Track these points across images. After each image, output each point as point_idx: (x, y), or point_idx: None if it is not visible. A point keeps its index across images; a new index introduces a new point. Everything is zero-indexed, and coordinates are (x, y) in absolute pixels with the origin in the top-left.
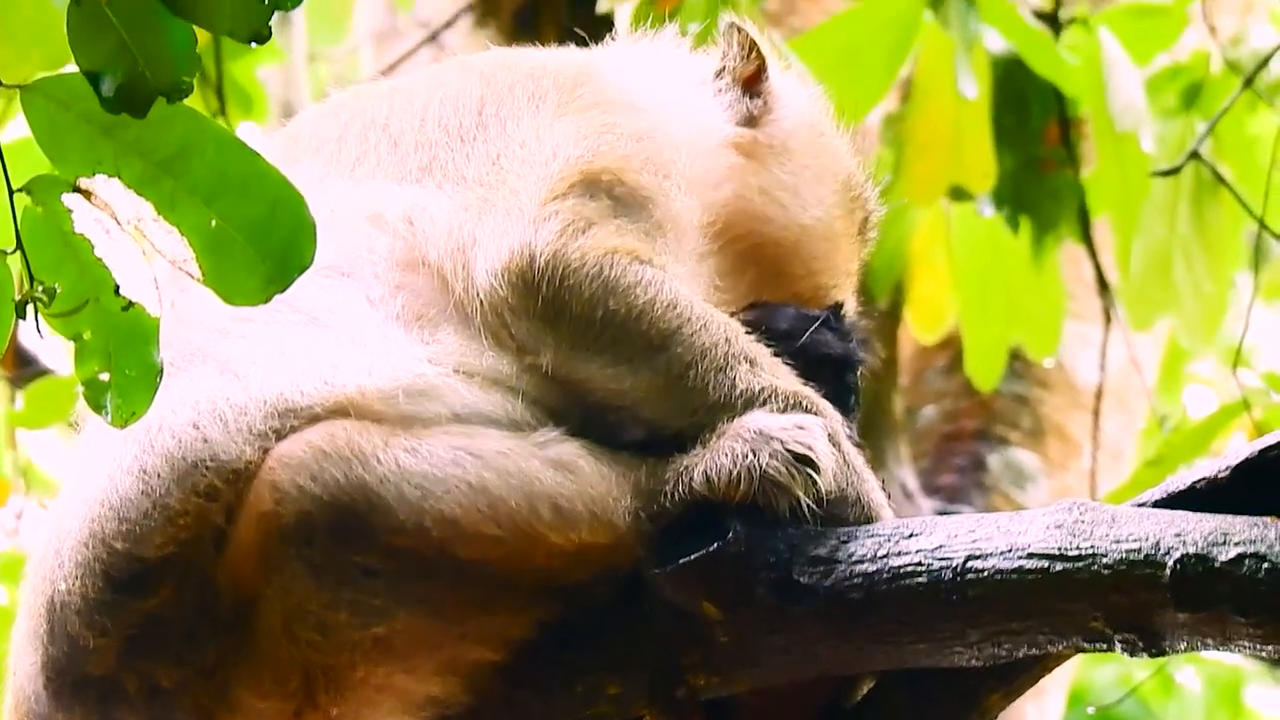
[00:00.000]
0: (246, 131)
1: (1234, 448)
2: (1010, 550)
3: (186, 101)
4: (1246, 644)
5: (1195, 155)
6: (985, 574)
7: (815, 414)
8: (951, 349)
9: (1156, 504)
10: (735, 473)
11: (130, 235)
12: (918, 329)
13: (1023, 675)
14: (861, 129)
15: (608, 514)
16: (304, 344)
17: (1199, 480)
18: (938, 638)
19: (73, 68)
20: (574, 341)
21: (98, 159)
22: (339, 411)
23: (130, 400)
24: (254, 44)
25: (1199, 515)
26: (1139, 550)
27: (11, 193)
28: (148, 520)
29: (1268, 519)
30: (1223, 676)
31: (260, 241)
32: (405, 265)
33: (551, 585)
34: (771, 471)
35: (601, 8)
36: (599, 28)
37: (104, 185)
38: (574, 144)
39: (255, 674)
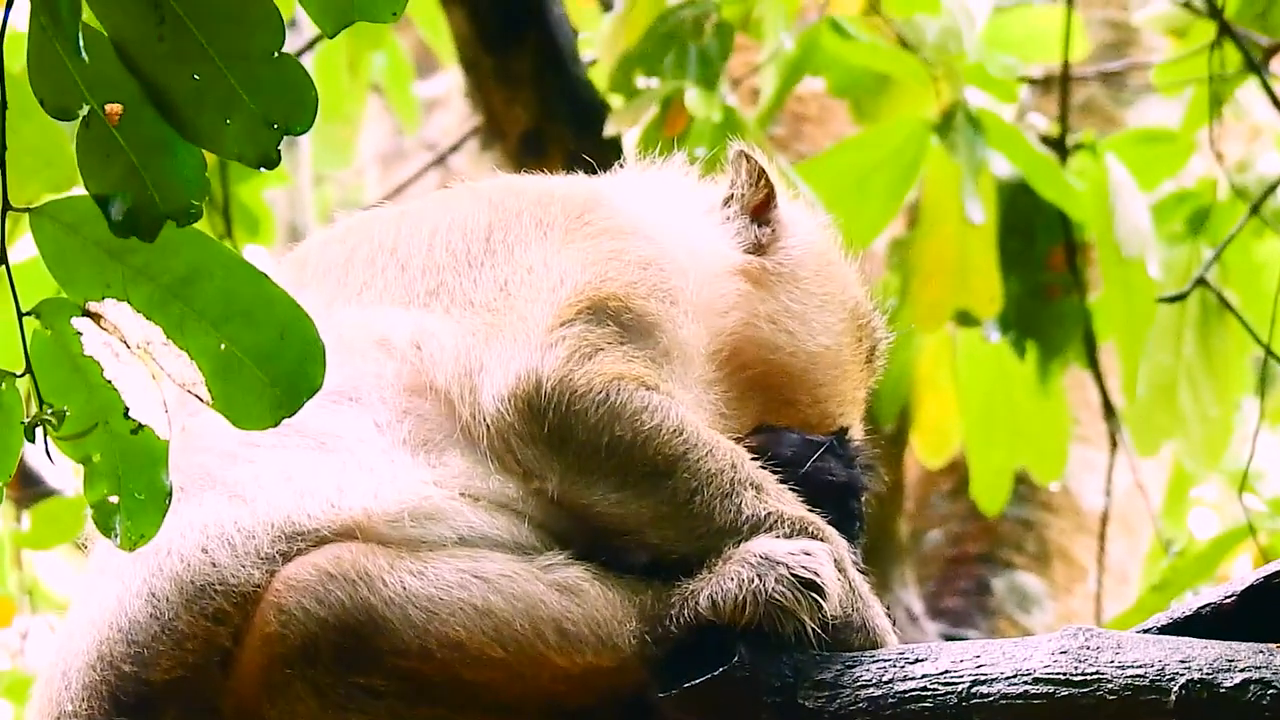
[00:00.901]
0: (253, 254)
1: (1239, 574)
2: (1015, 676)
3: (194, 224)
4: None
5: (1201, 281)
6: (990, 699)
7: (821, 539)
8: (957, 473)
9: (1162, 630)
10: (741, 597)
11: (139, 358)
12: (923, 453)
13: None
14: (867, 253)
15: (613, 638)
16: (311, 468)
17: (1204, 606)
18: None
19: (81, 190)
20: (580, 467)
21: (106, 282)
22: (345, 534)
23: (139, 523)
24: (263, 168)
25: (1204, 641)
26: (1144, 676)
27: (21, 315)
28: (155, 643)
29: (1273, 645)
30: None
31: (269, 366)
32: (412, 390)
33: (556, 709)
34: (777, 596)
35: (608, 132)
36: (606, 151)
37: (113, 308)
38: (581, 270)
39: None
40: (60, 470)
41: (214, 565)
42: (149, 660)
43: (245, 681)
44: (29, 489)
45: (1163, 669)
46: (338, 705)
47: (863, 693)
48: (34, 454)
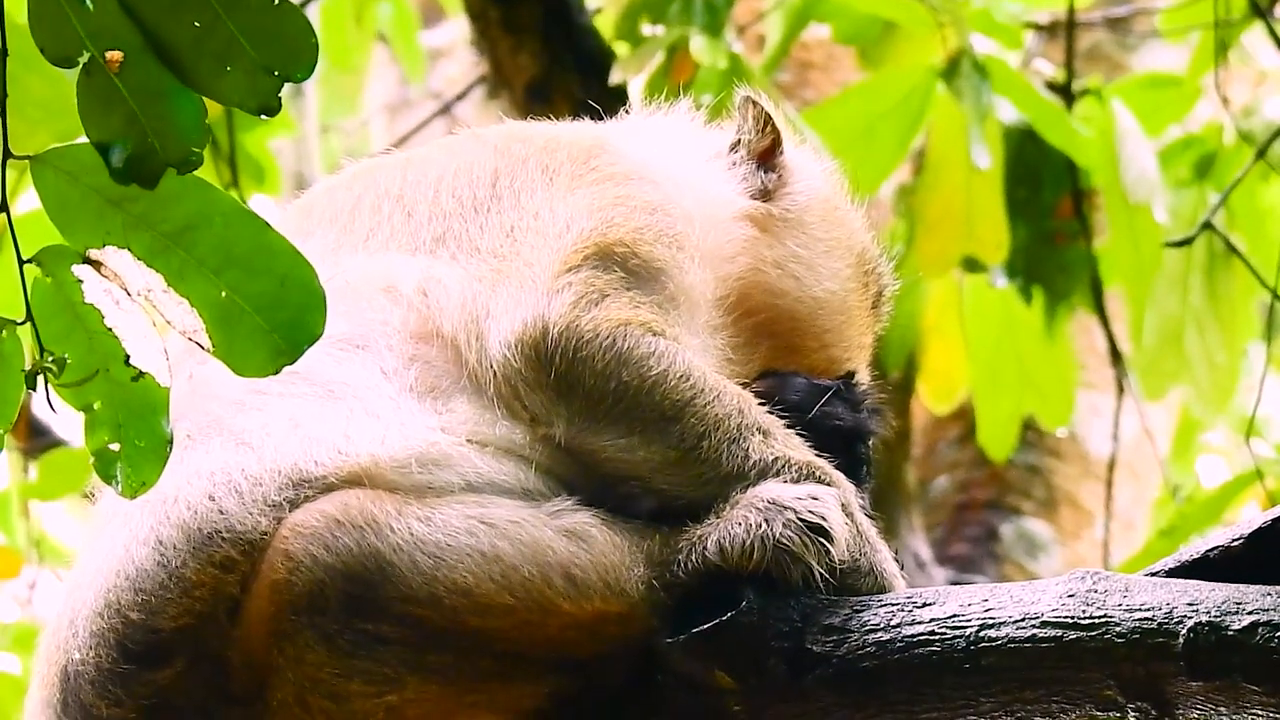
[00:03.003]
0: (258, 203)
1: (1247, 517)
2: (1023, 619)
3: (199, 173)
4: (1260, 713)
5: (1208, 226)
6: (998, 643)
7: (828, 484)
8: (964, 420)
9: (1169, 573)
10: (749, 542)
11: (140, 306)
12: (930, 400)
13: None
14: (874, 200)
15: (621, 583)
16: (318, 415)
17: (1212, 549)
18: (950, 706)
19: (83, 139)
20: (587, 413)
21: (107, 230)
22: (353, 481)
23: (140, 471)
24: (264, 116)
25: (1212, 584)
26: (1152, 619)
27: (21, 263)
28: (163, 591)
29: None
30: None
31: (270, 314)
32: (419, 336)
33: (565, 655)
34: (785, 541)
35: (614, 80)
36: (612, 100)
37: (114, 256)
38: (588, 216)
39: None
40: (67, 422)
41: (221, 512)
42: (156, 608)
43: (253, 630)
44: (37, 440)
45: (1171, 612)
46: (346, 653)
47: (870, 637)
48: (41, 406)
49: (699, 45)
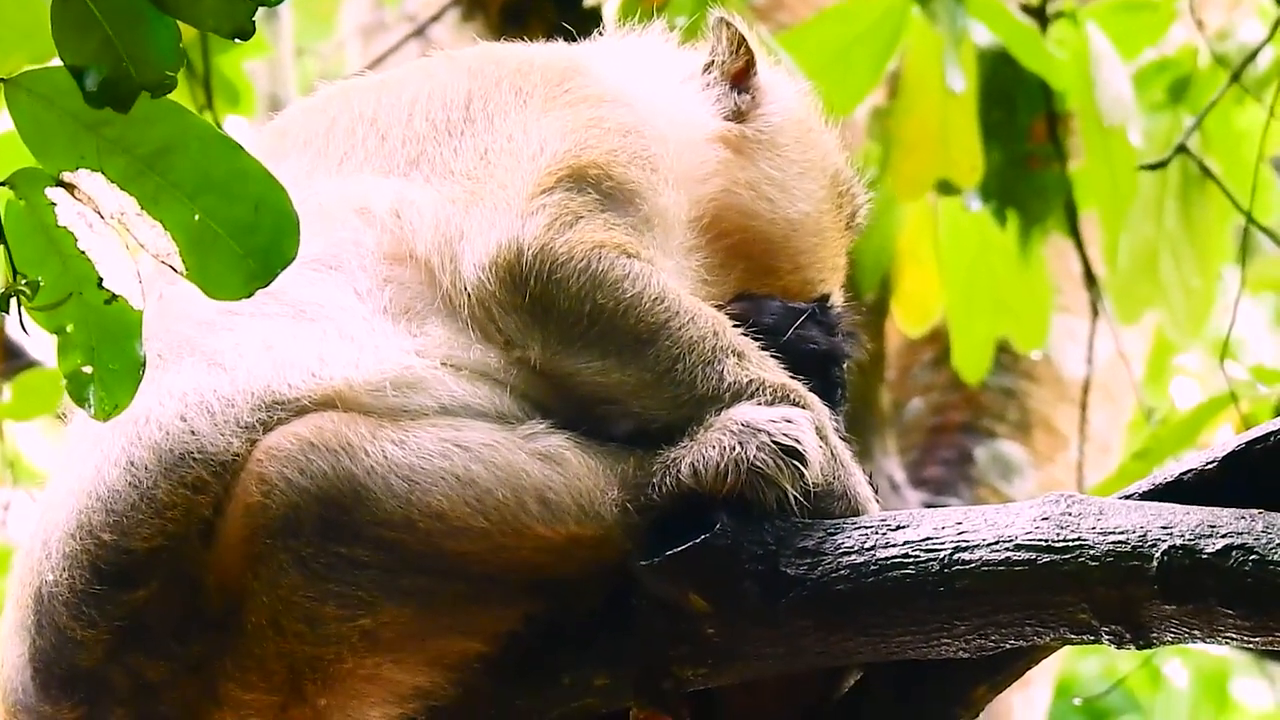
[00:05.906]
0: (233, 125)
1: (1221, 440)
2: (997, 542)
3: (173, 95)
4: (1233, 636)
5: (1183, 149)
6: (972, 566)
7: (803, 407)
8: (939, 343)
9: (1144, 496)
10: (722, 465)
11: (114, 229)
12: (905, 323)
13: (1010, 667)
14: (848, 123)
15: (595, 506)
16: (291, 337)
17: (1186, 472)
18: (924, 629)
19: (58, 62)
20: (561, 335)
21: (81, 154)
22: (326, 404)
23: (113, 393)
24: (238, 40)
25: (1186, 508)
26: (1126, 542)
27: None
28: (135, 512)
29: (1254, 511)
30: (1209, 669)
31: (244, 239)
32: (393, 258)
33: (539, 579)
34: (759, 464)
35: (589, 3)
36: (586, 22)
37: (87, 179)
38: (561, 138)
39: (242, 667)
40: (41, 342)
41: (193, 433)
42: (128, 529)
43: (228, 553)
44: (11, 361)
45: (1145, 535)
46: (321, 576)
47: (844, 560)
48: (15, 328)
49: None
